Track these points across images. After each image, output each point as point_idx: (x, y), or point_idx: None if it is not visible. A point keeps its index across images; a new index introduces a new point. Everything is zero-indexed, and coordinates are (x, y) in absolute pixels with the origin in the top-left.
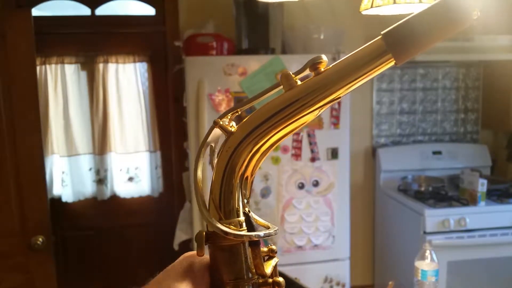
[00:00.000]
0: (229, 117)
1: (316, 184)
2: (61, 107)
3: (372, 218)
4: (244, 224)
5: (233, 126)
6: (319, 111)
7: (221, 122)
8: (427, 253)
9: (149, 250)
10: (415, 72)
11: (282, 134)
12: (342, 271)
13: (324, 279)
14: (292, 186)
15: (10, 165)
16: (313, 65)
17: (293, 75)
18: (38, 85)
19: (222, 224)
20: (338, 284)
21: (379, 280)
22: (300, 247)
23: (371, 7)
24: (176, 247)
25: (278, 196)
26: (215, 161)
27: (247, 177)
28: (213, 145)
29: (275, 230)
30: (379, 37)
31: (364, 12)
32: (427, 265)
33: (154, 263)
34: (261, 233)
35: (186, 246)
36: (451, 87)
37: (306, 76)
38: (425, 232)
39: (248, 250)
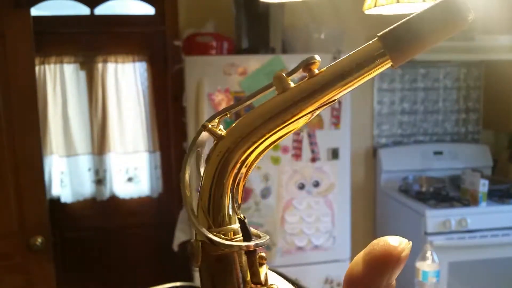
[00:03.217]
0: (217, 120)
1: (316, 184)
2: (60, 107)
3: (373, 219)
4: (239, 231)
5: (221, 130)
6: (312, 115)
7: (209, 126)
8: (428, 253)
9: (148, 251)
10: (416, 72)
11: (274, 139)
12: (343, 272)
13: (325, 280)
14: (292, 187)
15: (9, 165)
16: (307, 65)
17: (286, 77)
18: (37, 85)
19: (212, 233)
20: (338, 285)
21: None
22: (300, 248)
23: (375, 6)
24: (175, 248)
25: (278, 197)
26: (203, 166)
27: (238, 183)
28: (199, 149)
29: (267, 240)
30: (376, 38)
31: (367, 12)
32: (428, 266)
33: (153, 264)
34: (252, 243)
35: (185, 246)
36: (452, 87)
37: (303, 77)
38: (426, 233)
39: (244, 258)
